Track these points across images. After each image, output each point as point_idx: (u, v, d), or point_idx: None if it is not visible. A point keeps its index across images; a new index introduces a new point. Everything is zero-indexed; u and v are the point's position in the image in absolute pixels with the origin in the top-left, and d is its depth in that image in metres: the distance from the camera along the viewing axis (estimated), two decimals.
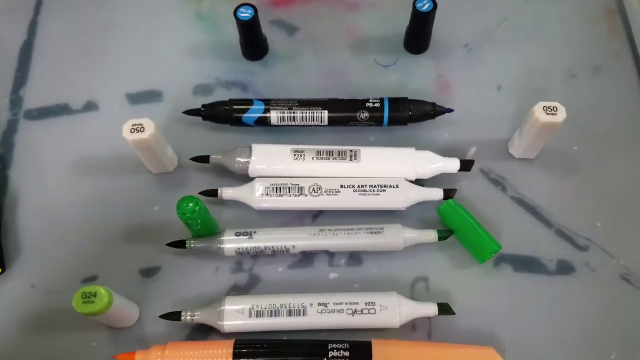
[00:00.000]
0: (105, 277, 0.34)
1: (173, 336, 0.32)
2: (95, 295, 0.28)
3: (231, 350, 0.29)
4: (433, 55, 0.40)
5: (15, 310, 0.33)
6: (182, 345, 0.30)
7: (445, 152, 0.35)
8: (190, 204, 0.31)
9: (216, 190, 0.35)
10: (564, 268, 0.33)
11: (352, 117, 0.36)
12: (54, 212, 0.36)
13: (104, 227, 0.35)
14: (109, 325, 0.32)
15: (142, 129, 0.32)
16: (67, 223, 0.35)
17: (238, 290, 0.33)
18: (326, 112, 0.36)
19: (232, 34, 0.39)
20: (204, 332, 0.32)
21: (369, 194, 0.34)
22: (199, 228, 0.33)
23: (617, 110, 0.38)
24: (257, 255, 0.34)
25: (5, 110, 0.39)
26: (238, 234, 0.33)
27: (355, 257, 0.34)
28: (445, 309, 0.31)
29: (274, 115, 0.36)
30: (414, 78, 0.39)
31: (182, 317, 0.31)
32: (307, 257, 0.34)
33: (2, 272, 0.34)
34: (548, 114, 0.32)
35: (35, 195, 0.36)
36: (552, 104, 0.32)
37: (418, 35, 0.39)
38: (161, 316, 0.31)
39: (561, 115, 0.32)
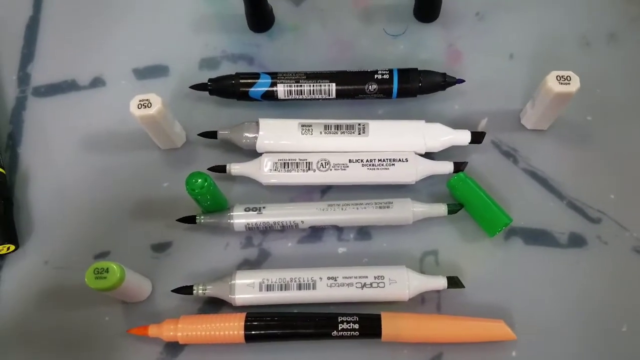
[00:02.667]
0: (117, 252, 0.34)
1: (185, 310, 0.32)
2: (107, 271, 0.28)
3: (243, 323, 0.30)
4: (443, 24, 0.39)
5: (30, 286, 0.33)
6: (195, 318, 0.31)
7: (456, 124, 0.35)
8: (199, 180, 0.31)
9: (225, 166, 0.35)
10: (576, 241, 0.33)
11: (361, 90, 0.36)
12: (64, 188, 0.36)
13: (114, 203, 0.35)
14: (122, 300, 0.32)
15: (149, 105, 0.32)
16: (77, 199, 0.35)
17: (248, 265, 0.34)
18: (334, 85, 0.35)
19: (238, 5, 0.38)
20: (215, 305, 0.32)
21: (378, 168, 0.34)
22: (209, 204, 0.33)
23: (633, 80, 0.37)
24: (266, 230, 0.34)
25: (13, 87, 0.39)
26: (247, 209, 0.33)
27: (364, 231, 0.34)
28: (454, 282, 0.31)
29: (281, 89, 0.36)
30: (424, 48, 0.38)
31: (194, 291, 0.31)
32: (316, 232, 0.34)
33: (16, 249, 0.34)
34: (561, 83, 0.31)
35: (45, 172, 0.36)
36: (565, 73, 0.32)
37: (428, 3, 0.38)
38: (173, 290, 0.32)
39: (575, 84, 0.31)
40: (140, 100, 0.32)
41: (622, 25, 0.38)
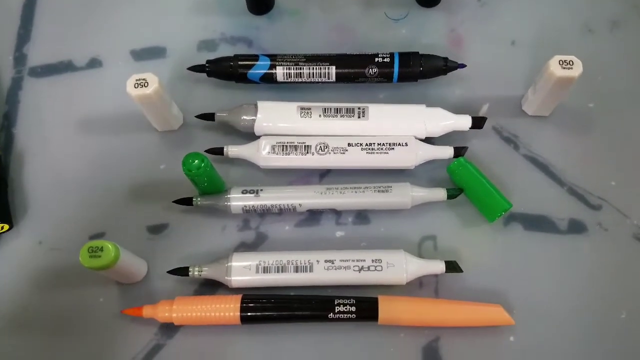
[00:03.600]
0: (113, 233, 0.34)
1: (181, 291, 0.32)
2: (101, 249, 0.28)
3: (239, 305, 0.30)
4: (445, 9, 0.39)
5: (24, 266, 0.33)
6: (190, 299, 0.30)
7: (457, 109, 0.34)
8: (196, 161, 0.30)
9: (222, 149, 0.34)
10: (576, 227, 0.33)
11: (361, 73, 0.35)
12: (60, 169, 0.35)
13: (111, 184, 0.35)
14: (118, 280, 0.32)
15: (146, 84, 0.32)
16: (73, 180, 0.35)
17: (245, 247, 0.33)
18: (334, 67, 0.35)
19: None
20: (211, 287, 0.32)
21: (377, 153, 0.33)
22: (206, 185, 0.32)
23: (635, 67, 0.37)
24: (263, 213, 0.34)
25: (9, 68, 0.39)
26: (245, 191, 0.33)
27: (362, 215, 0.34)
28: (452, 266, 0.31)
29: (280, 72, 0.35)
30: (426, 32, 0.38)
31: (190, 273, 0.31)
32: (313, 215, 0.34)
33: (10, 228, 0.34)
34: (564, 68, 0.31)
35: (41, 153, 0.36)
36: (568, 57, 0.31)
37: None
38: (169, 272, 0.31)
39: (577, 69, 0.31)
40: (137, 80, 0.32)
41: (625, 12, 0.38)
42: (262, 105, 0.34)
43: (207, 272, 0.31)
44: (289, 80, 0.35)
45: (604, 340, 0.30)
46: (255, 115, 0.34)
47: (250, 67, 0.35)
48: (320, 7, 0.39)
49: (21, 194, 0.35)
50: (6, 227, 0.33)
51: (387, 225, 0.33)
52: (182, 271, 0.31)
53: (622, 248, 0.32)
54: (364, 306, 0.30)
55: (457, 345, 0.30)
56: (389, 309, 0.30)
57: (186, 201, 0.33)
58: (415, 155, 0.33)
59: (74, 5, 0.40)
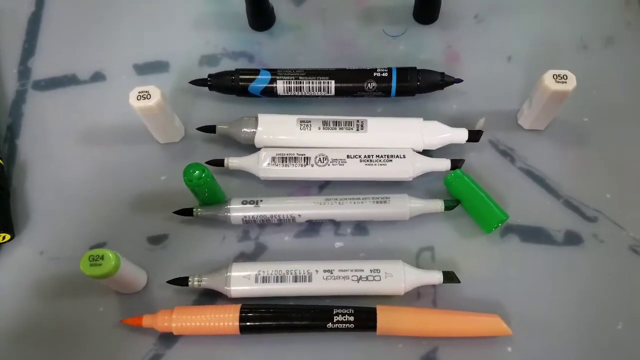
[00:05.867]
0: (114, 244, 0.34)
1: (180, 301, 0.32)
2: (102, 258, 0.28)
3: (238, 315, 0.30)
4: (442, 26, 0.40)
5: (25, 276, 0.33)
6: (189, 309, 0.30)
7: (453, 122, 0.35)
8: (197, 171, 0.31)
9: (222, 160, 0.35)
10: (572, 239, 0.33)
11: (360, 87, 0.36)
12: (62, 180, 0.36)
13: (112, 195, 0.35)
14: (117, 290, 0.32)
15: (148, 96, 0.32)
16: (75, 192, 0.35)
17: (245, 258, 0.33)
18: (333, 82, 0.36)
19: (239, 3, 0.39)
20: (211, 297, 0.32)
21: (375, 164, 0.34)
22: (206, 196, 0.33)
23: (629, 82, 0.37)
24: (263, 224, 0.34)
25: (13, 81, 0.39)
26: (245, 202, 0.33)
27: (361, 226, 0.34)
28: (450, 277, 0.31)
29: (281, 86, 0.36)
30: (423, 48, 0.39)
31: (190, 283, 0.31)
32: (313, 226, 0.34)
33: (12, 238, 0.34)
34: (558, 82, 0.32)
35: (43, 164, 0.36)
36: (562, 72, 0.32)
37: (427, 5, 0.39)
38: (169, 281, 0.32)
39: (571, 83, 0.32)
40: (139, 92, 0.32)
41: (619, 29, 0.39)
42: (263, 118, 0.35)
43: (207, 282, 0.31)
44: (289, 94, 0.36)
45: (601, 351, 0.31)
46: (256, 127, 0.35)
47: (251, 81, 0.36)
48: (320, 24, 0.40)
49: (23, 204, 0.35)
50: (7, 237, 0.34)
51: (386, 236, 0.34)
52: (181, 281, 0.32)
53: (617, 259, 0.33)
54: (363, 316, 0.30)
55: (455, 355, 0.30)
56: (387, 319, 0.30)
57: (187, 212, 0.33)
58: (412, 167, 0.34)
59: (78, 20, 0.41)
